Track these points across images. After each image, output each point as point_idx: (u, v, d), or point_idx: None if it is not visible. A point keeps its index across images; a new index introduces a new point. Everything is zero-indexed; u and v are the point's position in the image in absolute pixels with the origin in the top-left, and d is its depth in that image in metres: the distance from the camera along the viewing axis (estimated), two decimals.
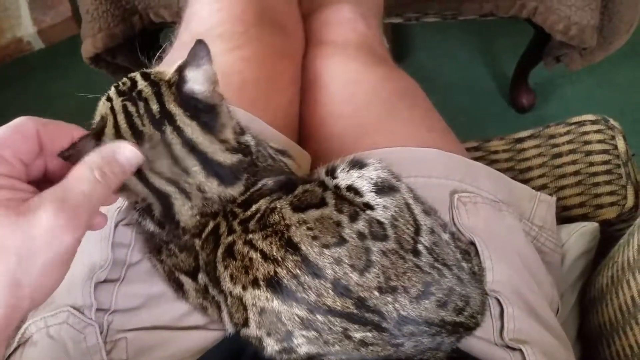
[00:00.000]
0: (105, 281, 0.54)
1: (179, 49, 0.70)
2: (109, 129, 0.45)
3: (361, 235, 0.45)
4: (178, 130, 0.45)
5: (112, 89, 0.49)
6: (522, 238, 0.61)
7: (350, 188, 0.49)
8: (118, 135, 0.45)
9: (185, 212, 0.47)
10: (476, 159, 0.80)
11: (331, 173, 0.51)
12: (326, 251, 0.44)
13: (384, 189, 0.49)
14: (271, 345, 0.45)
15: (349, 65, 0.70)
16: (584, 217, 0.72)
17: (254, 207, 0.47)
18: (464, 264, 0.50)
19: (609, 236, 0.73)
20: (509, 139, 0.80)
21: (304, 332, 0.44)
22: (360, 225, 0.46)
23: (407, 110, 0.68)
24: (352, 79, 0.69)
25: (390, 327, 0.44)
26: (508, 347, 0.53)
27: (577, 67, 1.29)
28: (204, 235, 0.47)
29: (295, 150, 0.65)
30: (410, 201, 0.50)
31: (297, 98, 0.72)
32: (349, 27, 0.75)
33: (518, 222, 0.62)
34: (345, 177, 0.50)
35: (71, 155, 0.42)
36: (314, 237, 0.44)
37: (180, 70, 0.46)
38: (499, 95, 1.61)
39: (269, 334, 0.45)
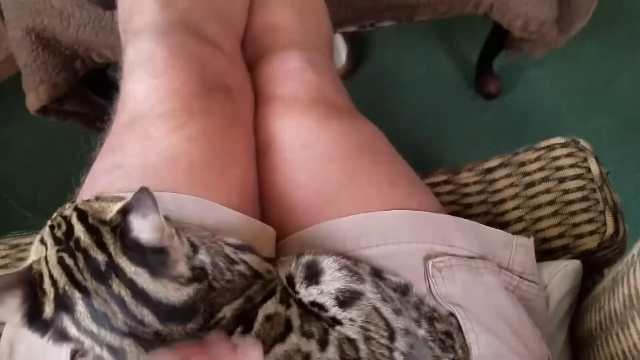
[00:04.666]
0: None
1: (119, 133, 0.65)
2: (48, 287, 0.41)
3: None
4: (128, 282, 0.41)
5: (47, 229, 0.45)
6: (503, 296, 0.59)
7: (314, 304, 0.46)
8: (58, 294, 0.41)
9: None
10: (448, 193, 0.77)
11: (290, 285, 0.48)
12: None
13: (346, 300, 0.46)
14: None
15: (302, 124, 0.66)
16: (564, 248, 0.70)
17: None
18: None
19: (592, 263, 0.71)
20: (478, 170, 0.76)
21: None
22: (331, 352, 0.43)
23: (368, 167, 0.64)
24: (306, 142, 0.65)
25: None
26: None
27: (540, 54, 1.26)
28: None
29: (257, 228, 0.62)
30: (378, 304, 0.47)
31: (253, 164, 0.68)
32: (298, 80, 0.71)
33: (497, 278, 0.59)
34: (306, 294, 0.47)
35: None
36: None
37: (124, 213, 0.42)
38: (464, 85, 1.58)
39: None
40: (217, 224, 0.58)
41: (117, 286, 0.41)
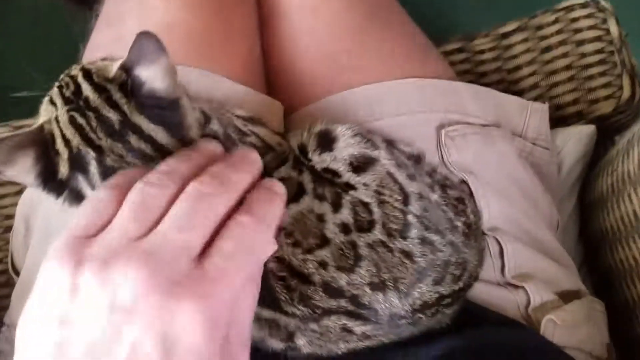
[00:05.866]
0: None
1: (114, 2, 0.61)
2: (61, 147, 0.40)
3: (345, 228, 0.43)
4: (148, 138, 0.40)
5: (55, 89, 0.43)
6: (515, 162, 0.58)
7: (327, 170, 0.46)
8: (71, 154, 0.40)
9: None
10: (461, 62, 0.75)
11: (303, 153, 0.47)
12: (309, 256, 0.41)
13: (360, 166, 0.45)
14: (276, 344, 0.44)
15: None
16: (579, 115, 0.69)
17: None
18: (458, 223, 0.48)
19: (605, 129, 0.70)
20: (494, 35, 0.73)
21: (302, 339, 0.43)
22: (345, 214, 0.43)
23: (380, 33, 0.62)
24: (313, 6, 0.61)
25: (384, 323, 0.43)
26: (510, 284, 0.52)
27: None
28: None
29: (264, 102, 0.60)
30: (392, 169, 0.46)
31: (257, 34, 0.65)
32: None
33: (510, 145, 0.59)
34: (319, 161, 0.46)
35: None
36: (295, 244, 0.41)
37: (127, 69, 0.40)
38: None
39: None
40: (223, 98, 0.56)
41: (136, 141, 0.39)
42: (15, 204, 0.64)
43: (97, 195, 0.35)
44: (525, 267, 0.53)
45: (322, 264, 0.42)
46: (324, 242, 0.42)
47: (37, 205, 0.59)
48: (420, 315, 0.44)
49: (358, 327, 0.43)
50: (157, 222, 0.33)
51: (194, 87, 0.55)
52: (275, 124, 0.60)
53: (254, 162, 0.38)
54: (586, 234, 0.68)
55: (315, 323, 0.42)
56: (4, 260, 0.70)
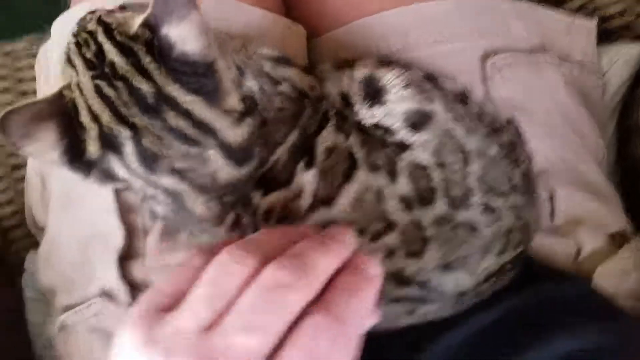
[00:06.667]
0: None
1: None
2: (88, 123, 0.35)
3: (407, 204, 0.39)
4: (185, 113, 0.35)
5: (73, 47, 0.37)
6: (563, 93, 0.54)
7: (377, 127, 0.41)
8: (102, 132, 0.35)
9: (200, 205, 0.38)
10: None
11: (347, 104, 0.41)
12: (374, 245, 0.38)
13: (416, 123, 0.40)
14: None
15: None
16: (626, 28, 0.63)
17: (273, 197, 0.38)
18: (516, 178, 0.44)
19: None
20: None
21: None
22: (403, 184, 0.39)
23: None
24: None
25: (450, 301, 0.42)
26: (560, 232, 0.50)
27: None
28: (225, 228, 0.39)
29: (285, 27, 0.54)
30: (451, 125, 0.41)
31: None
32: None
33: (558, 73, 0.54)
34: (368, 115, 0.41)
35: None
36: (360, 232, 0.38)
37: (151, 27, 0.34)
38: None
39: None
40: (243, 28, 0.50)
41: (173, 118, 0.34)
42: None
43: (190, 260, 0.32)
44: (575, 211, 0.51)
45: (390, 253, 0.39)
46: (389, 226, 0.39)
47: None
48: (484, 287, 0.42)
49: (424, 308, 0.41)
50: (228, 308, 0.29)
51: (209, 18, 0.48)
52: (300, 55, 0.54)
53: (349, 243, 0.33)
54: (623, 157, 0.65)
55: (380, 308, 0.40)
56: (16, 201, 0.66)
